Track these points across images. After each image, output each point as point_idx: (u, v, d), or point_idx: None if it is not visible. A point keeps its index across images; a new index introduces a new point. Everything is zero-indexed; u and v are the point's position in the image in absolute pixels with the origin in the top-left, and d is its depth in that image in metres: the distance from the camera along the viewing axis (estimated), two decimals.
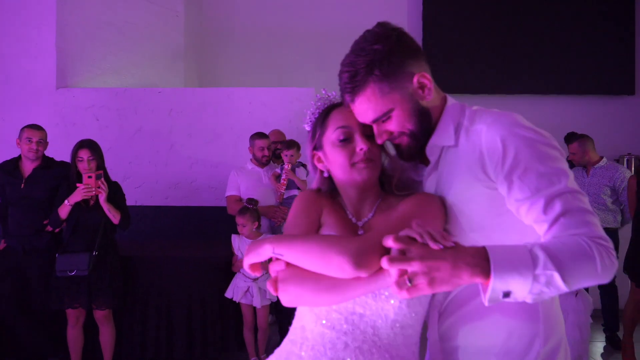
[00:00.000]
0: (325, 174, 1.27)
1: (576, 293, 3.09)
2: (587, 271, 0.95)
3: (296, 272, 1.07)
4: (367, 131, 1.19)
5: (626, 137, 6.83)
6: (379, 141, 1.19)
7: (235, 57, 7.13)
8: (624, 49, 7.02)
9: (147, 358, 3.50)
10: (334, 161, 1.22)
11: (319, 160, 1.27)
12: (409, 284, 0.89)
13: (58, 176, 3.32)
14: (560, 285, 0.93)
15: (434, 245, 0.91)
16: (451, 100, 1.25)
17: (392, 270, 0.90)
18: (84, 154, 3.23)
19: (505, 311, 1.11)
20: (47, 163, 3.37)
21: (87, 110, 5.02)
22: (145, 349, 3.50)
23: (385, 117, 1.16)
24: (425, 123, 1.18)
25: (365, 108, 1.15)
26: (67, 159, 3.50)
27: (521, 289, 0.92)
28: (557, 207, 0.99)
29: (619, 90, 7.02)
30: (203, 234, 4.78)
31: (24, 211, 3.26)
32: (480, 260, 0.92)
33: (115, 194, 3.31)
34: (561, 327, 1.16)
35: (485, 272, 0.91)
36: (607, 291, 4.14)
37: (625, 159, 6.50)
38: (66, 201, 3.12)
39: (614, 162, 4.57)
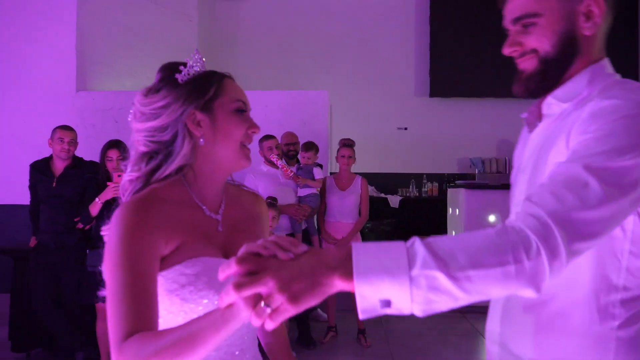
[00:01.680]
0: (202, 142, 1.02)
1: None
2: (497, 277, 0.72)
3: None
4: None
5: None
6: (506, 51, 1.04)
7: (245, 60, 7.28)
8: (627, 49, 7.16)
9: None
10: (228, 132, 1.02)
11: (199, 124, 1.01)
12: (268, 311, 0.69)
13: (87, 175, 3.45)
14: (454, 291, 0.71)
15: (283, 255, 0.71)
16: (606, 63, 1.00)
17: (242, 301, 0.68)
18: (113, 154, 3.36)
19: (569, 332, 0.92)
20: (77, 162, 3.50)
21: (107, 113, 5.15)
22: None
23: (528, 19, 0.98)
24: (564, 58, 0.97)
25: (517, 1, 1.01)
26: (87, 159, 3.64)
27: (400, 296, 0.70)
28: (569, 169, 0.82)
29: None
30: None
31: (56, 209, 3.38)
32: (343, 261, 0.71)
33: None
34: None
35: (349, 275, 0.71)
36: None
37: None
38: (97, 199, 3.24)
39: None
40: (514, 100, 7.11)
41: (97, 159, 3.72)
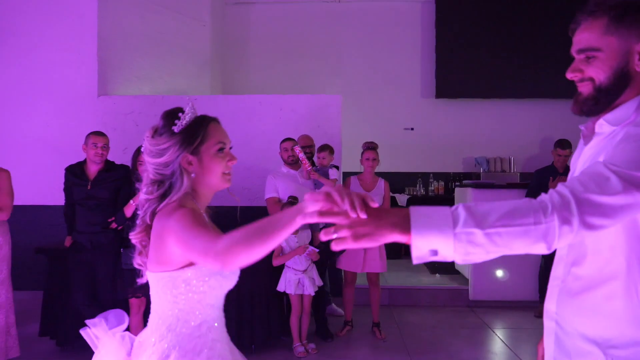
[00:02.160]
0: (193, 176, 1.38)
1: None
2: (519, 233, 0.94)
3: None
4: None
5: None
6: (568, 75, 1.20)
7: (257, 64, 7.47)
8: None
9: None
10: (211, 168, 1.38)
11: (190, 164, 1.37)
12: (334, 236, 0.94)
13: (119, 178, 3.65)
14: (487, 244, 0.93)
15: (352, 214, 0.94)
16: None
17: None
18: None
19: (614, 314, 1.08)
20: (109, 166, 3.70)
21: (127, 116, 5.35)
22: None
23: (591, 52, 1.14)
24: (616, 88, 1.13)
25: (584, 34, 1.15)
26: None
27: (445, 247, 0.94)
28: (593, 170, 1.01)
29: None
30: None
31: (91, 210, 3.59)
32: (402, 220, 0.94)
33: None
34: None
35: (406, 230, 0.94)
36: None
37: None
38: (131, 201, 3.44)
39: None
40: (516, 101, 7.33)
41: (118, 161, 3.93)
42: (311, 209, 0.99)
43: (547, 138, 6.96)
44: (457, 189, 6.00)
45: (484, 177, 6.96)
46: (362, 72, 7.42)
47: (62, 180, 3.99)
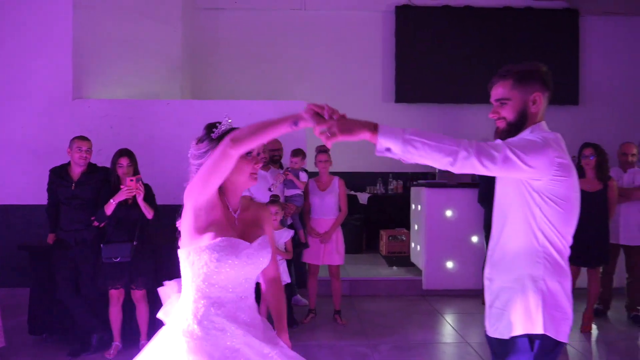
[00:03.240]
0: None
1: None
2: (445, 151, 1.52)
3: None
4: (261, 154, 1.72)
5: (570, 142, 7.80)
6: (490, 115, 1.82)
7: (226, 69, 7.77)
8: (569, 63, 8.03)
9: None
10: (240, 169, 1.64)
11: None
12: (328, 134, 1.48)
13: (101, 179, 3.93)
14: (421, 150, 1.51)
15: (336, 116, 1.50)
16: (544, 124, 1.78)
17: (318, 127, 1.50)
18: (124, 161, 3.86)
19: (522, 261, 1.70)
20: (91, 168, 3.98)
21: (102, 119, 5.59)
22: None
23: (503, 100, 1.77)
24: (520, 123, 1.75)
25: (499, 89, 1.78)
26: None
27: (396, 147, 1.50)
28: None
29: (565, 100, 8.03)
30: None
31: (75, 209, 3.86)
32: (372, 126, 1.52)
33: (148, 194, 3.95)
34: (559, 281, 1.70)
35: (374, 132, 1.51)
36: None
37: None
38: (112, 200, 3.74)
39: None
40: (471, 106, 7.88)
41: (93, 162, 4.17)
42: (303, 113, 1.48)
43: None
44: (412, 189, 6.49)
45: (439, 177, 7.45)
46: (327, 77, 7.83)
47: (39, 181, 4.23)
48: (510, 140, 1.67)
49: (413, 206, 6.42)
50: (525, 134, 1.74)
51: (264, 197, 4.42)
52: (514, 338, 1.70)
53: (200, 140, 1.71)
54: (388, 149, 1.52)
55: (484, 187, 5.18)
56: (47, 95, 5.55)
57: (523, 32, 7.93)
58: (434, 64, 7.80)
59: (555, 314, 1.67)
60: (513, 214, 1.74)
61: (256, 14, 7.89)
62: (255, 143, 1.52)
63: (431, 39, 7.84)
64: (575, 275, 4.48)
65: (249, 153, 1.66)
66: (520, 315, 1.69)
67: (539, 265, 1.68)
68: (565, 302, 1.70)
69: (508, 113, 1.77)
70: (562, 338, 1.69)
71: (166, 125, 5.65)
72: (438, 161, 1.55)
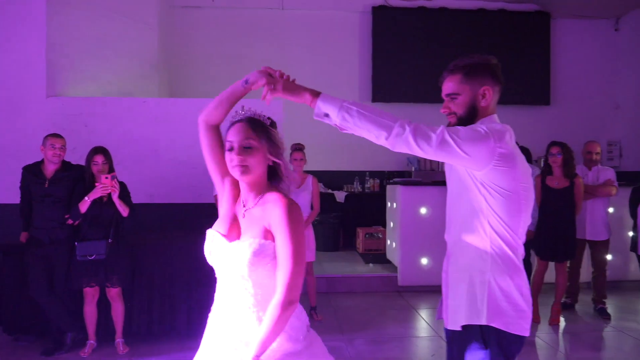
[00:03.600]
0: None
1: None
2: (380, 124, 1.57)
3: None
4: (244, 144, 1.54)
5: (542, 141, 8.04)
6: (442, 111, 1.80)
7: (204, 67, 7.76)
8: (541, 64, 8.24)
9: (152, 331, 4.16)
10: (227, 162, 1.58)
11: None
12: (272, 87, 1.59)
13: (75, 177, 3.91)
14: (356, 119, 1.57)
15: (285, 76, 1.64)
16: (495, 116, 1.78)
17: (265, 82, 1.62)
18: (99, 159, 3.85)
19: (471, 253, 1.72)
20: (65, 166, 3.96)
21: (77, 117, 5.54)
22: (151, 323, 4.16)
23: (453, 95, 1.76)
24: (470, 117, 1.75)
25: (449, 84, 1.77)
26: None
27: (333, 112, 1.58)
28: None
29: (537, 101, 8.25)
30: (184, 227, 5.42)
31: (49, 207, 3.83)
32: (315, 92, 1.61)
33: (123, 191, 3.95)
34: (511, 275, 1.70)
35: (315, 97, 1.60)
36: (524, 264, 5.09)
37: (542, 161, 7.68)
38: (86, 197, 3.73)
39: (529, 164, 5.60)
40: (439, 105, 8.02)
41: (67, 160, 4.15)
42: (255, 72, 1.64)
43: None
44: (388, 186, 6.59)
45: (415, 175, 7.60)
46: (305, 76, 7.75)
47: (11, 178, 4.17)
48: (453, 127, 1.67)
49: (389, 204, 6.52)
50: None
51: None
52: (465, 329, 1.72)
53: None
54: (326, 115, 1.59)
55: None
56: (19, 92, 5.47)
57: (496, 33, 8.11)
58: (411, 64, 7.92)
59: (505, 307, 1.66)
60: (462, 204, 1.75)
61: (234, 12, 7.90)
62: (218, 110, 1.67)
63: (407, 39, 7.96)
64: (543, 270, 4.64)
65: (231, 148, 1.57)
66: (467, 306, 1.70)
67: (486, 258, 1.68)
68: (518, 296, 1.68)
69: (458, 108, 1.76)
70: (518, 331, 1.67)
71: (143, 124, 5.63)
72: (372, 133, 1.59)
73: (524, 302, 1.70)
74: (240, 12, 7.90)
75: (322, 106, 1.59)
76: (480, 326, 1.68)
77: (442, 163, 7.41)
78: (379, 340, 4.26)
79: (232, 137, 1.57)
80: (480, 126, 1.68)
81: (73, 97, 5.65)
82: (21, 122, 5.45)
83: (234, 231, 1.62)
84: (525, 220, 1.71)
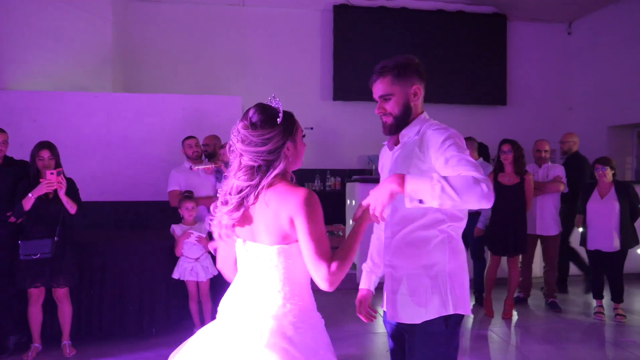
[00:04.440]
0: (290, 159, 1.63)
1: None
2: (473, 190, 1.49)
3: None
4: None
5: (499, 140, 8.22)
6: (377, 112, 1.85)
7: (161, 62, 7.58)
8: (498, 65, 8.43)
9: (102, 332, 4.03)
10: (301, 151, 1.67)
11: (288, 148, 1.62)
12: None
13: (18, 173, 3.74)
14: (452, 194, 1.48)
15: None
16: (425, 114, 1.88)
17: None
18: (45, 154, 3.70)
19: (426, 248, 1.77)
20: (8, 161, 3.78)
21: (24, 112, 5.31)
22: (99, 325, 4.02)
23: (387, 96, 1.81)
24: (405, 116, 1.82)
25: (380, 86, 1.82)
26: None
27: (427, 195, 1.50)
28: (455, 161, 1.63)
29: (494, 101, 8.43)
30: (137, 225, 5.30)
31: None
32: (400, 180, 1.53)
33: (71, 188, 3.80)
34: (459, 261, 1.80)
35: (401, 185, 1.52)
36: (479, 260, 5.17)
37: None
38: (30, 194, 3.57)
39: (485, 161, 5.71)
40: None
41: (15, 156, 3.99)
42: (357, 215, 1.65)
43: None
44: (347, 184, 6.60)
45: (375, 173, 7.64)
46: (265, 74, 7.81)
47: None
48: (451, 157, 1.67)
49: (348, 202, 6.53)
50: (413, 129, 1.81)
51: (198, 190, 4.38)
52: (427, 321, 1.75)
53: (256, 126, 1.59)
54: (421, 201, 1.54)
55: None
56: None
57: (455, 35, 8.24)
58: (371, 63, 7.82)
59: (460, 292, 1.77)
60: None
61: (193, 7, 7.75)
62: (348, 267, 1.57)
63: (368, 38, 8.00)
64: (496, 265, 4.74)
65: (304, 135, 1.69)
66: (433, 300, 1.75)
67: (444, 249, 1.76)
68: (465, 277, 1.81)
69: (393, 108, 1.81)
70: (468, 311, 1.81)
71: (94, 119, 5.46)
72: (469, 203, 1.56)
73: (467, 279, 1.83)
74: (200, 7, 7.76)
75: (412, 193, 1.54)
76: (445, 316, 1.74)
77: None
78: (337, 337, 4.23)
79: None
80: (451, 141, 1.71)
81: (20, 91, 5.43)
82: None
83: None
84: None
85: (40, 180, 3.59)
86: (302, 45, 8.00)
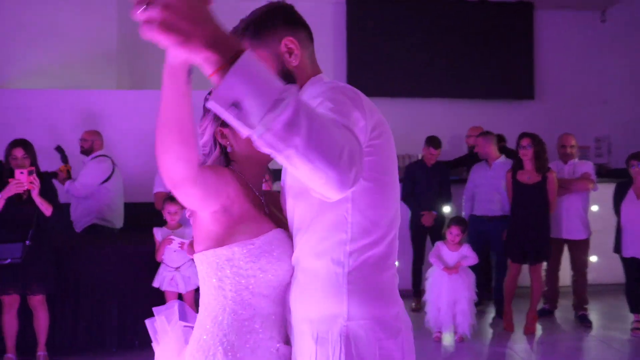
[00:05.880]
0: (229, 149, 1.34)
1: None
2: (330, 146, 0.85)
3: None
4: None
5: None
6: None
7: (165, 60, 7.37)
8: (524, 58, 7.88)
9: (79, 343, 3.76)
10: (244, 138, 1.39)
11: (223, 136, 1.33)
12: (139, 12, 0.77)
13: None
14: (301, 132, 0.81)
15: None
16: (323, 76, 1.35)
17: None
18: (18, 153, 3.47)
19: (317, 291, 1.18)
20: None
21: (18, 111, 5.15)
22: (77, 335, 3.76)
23: None
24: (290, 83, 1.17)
25: None
26: None
27: (254, 109, 0.78)
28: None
29: (521, 95, 7.88)
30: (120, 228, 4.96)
31: None
32: (227, 48, 0.80)
33: (47, 189, 3.56)
34: (377, 309, 1.16)
35: (225, 64, 0.80)
36: (501, 269, 4.65)
37: None
38: None
39: (508, 158, 5.13)
40: (426, 100, 7.65)
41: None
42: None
43: (456, 136, 7.32)
44: None
45: None
46: None
47: None
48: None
49: None
50: (311, 92, 1.16)
51: None
52: None
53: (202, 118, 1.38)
54: (236, 105, 0.81)
55: (409, 184, 4.95)
56: None
57: (478, 24, 7.74)
58: (388, 57, 7.54)
59: None
60: (316, 215, 1.18)
61: None
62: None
63: (384, 30, 7.58)
64: (515, 274, 4.26)
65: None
66: None
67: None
68: None
69: None
70: None
71: (92, 117, 5.25)
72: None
73: None
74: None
75: (230, 89, 0.80)
76: None
77: (406, 160, 6.78)
78: None
79: None
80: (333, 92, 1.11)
81: (14, 89, 5.28)
82: None
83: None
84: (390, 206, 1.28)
85: (9, 180, 3.35)
86: (313, 39, 7.65)
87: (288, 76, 1.27)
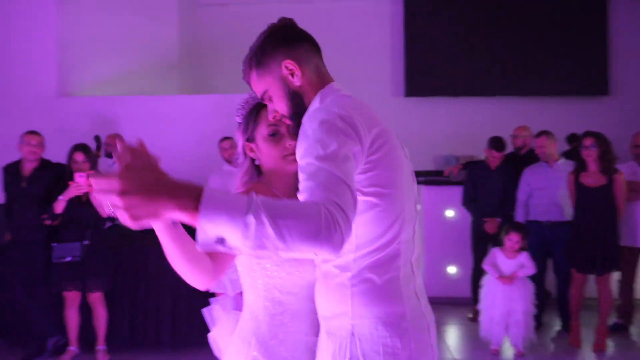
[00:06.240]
0: (257, 162, 1.45)
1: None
2: (305, 230, 0.93)
3: None
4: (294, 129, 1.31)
5: None
6: (270, 117, 1.37)
7: (229, 65, 7.53)
8: (598, 52, 7.33)
9: (135, 340, 3.92)
10: (267, 153, 1.41)
11: (251, 150, 1.44)
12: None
13: (54, 176, 3.77)
14: (273, 237, 0.91)
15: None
16: (332, 86, 1.36)
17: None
18: (79, 157, 3.69)
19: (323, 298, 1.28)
20: (44, 164, 3.83)
21: (87, 117, 5.46)
22: (134, 330, 3.92)
23: (265, 95, 1.33)
24: (297, 106, 1.30)
25: (254, 86, 1.36)
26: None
27: (233, 235, 0.91)
28: (307, 171, 1.07)
29: (594, 91, 7.34)
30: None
31: (26, 207, 3.71)
32: (191, 196, 0.90)
33: None
34: (379, 311, 1.20)
35: (194, 209, 0.89)
36: (564, 278, 4.33)
37: None
38: (60, 197, 3.56)
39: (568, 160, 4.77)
40: (489, 99, 7.32)
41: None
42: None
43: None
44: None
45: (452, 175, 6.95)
46: (331, 71, 7.39)
47: None
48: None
49: (419, 206, 5.97)
50: (314, 122, 1.17)
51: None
52: None
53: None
54: (221, 240, 0.98)
55: (470, 187, 4.70)
56: (29, 92, 5.46)
57: (546, 18, 7.29)
58: (448, 54, 7.28)
59: None
60: None
61: (261, 7, 7.62)
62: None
63: (444, 27, 7.32)
64: (580, 284, 3.94)
65: (273, 133, 1.43)
66: None
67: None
68: None
69: (280, 105, 1.32)
70: None
71: (155, 122, 5.47)
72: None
73: None
74: (266, 7, 7.59)
75: (210, 227, 0.93)
76: None
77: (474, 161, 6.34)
78: None
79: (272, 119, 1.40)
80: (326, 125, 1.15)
81: (82, 97, 5.61)
82: (31, 124, 5.33)
83: None
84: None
85: (69, 183, 3.55)
86: (370, 39, 7.53)
87: (292, 97, 1.31)
